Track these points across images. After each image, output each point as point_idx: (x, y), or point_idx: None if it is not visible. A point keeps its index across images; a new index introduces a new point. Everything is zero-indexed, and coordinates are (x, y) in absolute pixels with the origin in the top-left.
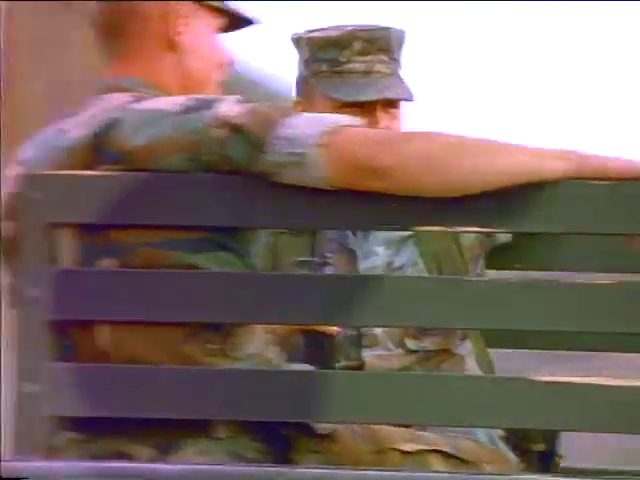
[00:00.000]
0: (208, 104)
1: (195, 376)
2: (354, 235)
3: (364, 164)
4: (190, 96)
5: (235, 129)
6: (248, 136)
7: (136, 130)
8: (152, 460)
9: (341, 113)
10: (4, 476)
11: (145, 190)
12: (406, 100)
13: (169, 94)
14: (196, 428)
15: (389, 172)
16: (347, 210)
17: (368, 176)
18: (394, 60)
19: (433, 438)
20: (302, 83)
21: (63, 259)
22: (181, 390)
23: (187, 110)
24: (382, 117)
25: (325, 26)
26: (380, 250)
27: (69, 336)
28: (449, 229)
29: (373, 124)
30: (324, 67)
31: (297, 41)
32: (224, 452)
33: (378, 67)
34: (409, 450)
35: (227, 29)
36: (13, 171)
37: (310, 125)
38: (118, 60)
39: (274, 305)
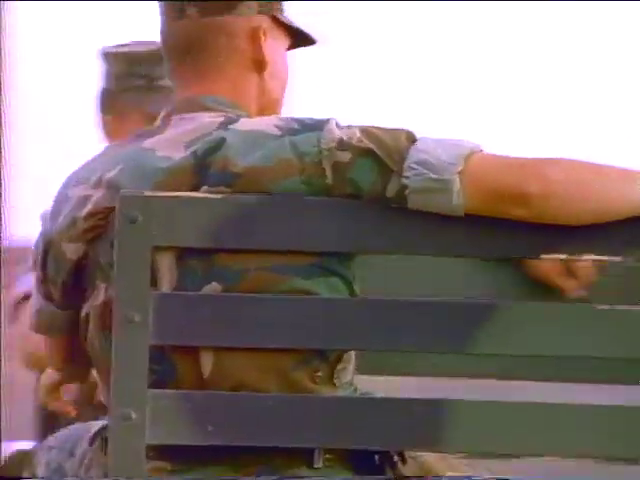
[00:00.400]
0: (315, 126)
1: (311, 404)
2: None
3: (508, 191)
4: (285, 117)
5: (363, 153)
6: (379, 160)
7: (244, 152)
8: None
9: None
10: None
11: (256, 213)
12: None
13: (249, 114)
14: (296, 456)
15: (537, 199)
16: (472, 236)
17: (510, 203)
18: None
19: (459, 465)
20: (110, 98)
21: (164, 282)
22: (289, 418)
23: (294, 132)
24: None
25: (129, 42)
26: None
27: (168, 361)
28: (576, 257)
29: None
30: (140, 82)
31: (109, 56)
32: None
33: None
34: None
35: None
36: (85, 191)
37: (443, 150)
38: (198, 78)
39: (391, 331)
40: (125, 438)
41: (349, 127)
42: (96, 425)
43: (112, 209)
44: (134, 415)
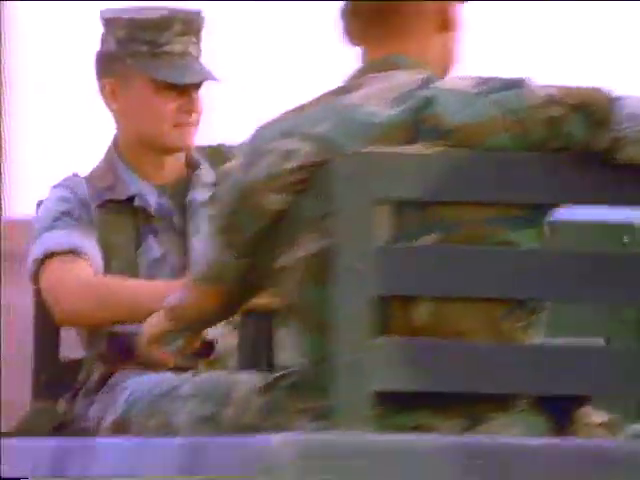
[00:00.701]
0: (513, 84)
1: (516, 352)
2: None
3: None
4: (477, 76)
5: (574, 108)
6: (591, 115)
7: (453, 109)
8: (454, 433)
9: (161, 94)
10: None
11: (469, 168)
12: (215, 81)
13: (431, 72)
14: (499, 401)
15: None
16: None
17: None
18: (200, 42)
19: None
20: (113, 63)
21: (381, 234)
22: (500, 365)
23: (492, 90)
24: (196, 98)
25: (133, 6)
26: (202, 227)
27: (380, 310)
28: None
29: (189, 104)
30: (144, 48)
31: (111, 21)
32: (522, 425)
33: (191, 49)
34: (599, 422)
35: None
36: (289, 145)
37: None
38: (389, 39)
39: (599, 283)
40: (351, 385)
41: (547, 86)
42: (251, 374)
43: (321, 163)
44: (360, 362)
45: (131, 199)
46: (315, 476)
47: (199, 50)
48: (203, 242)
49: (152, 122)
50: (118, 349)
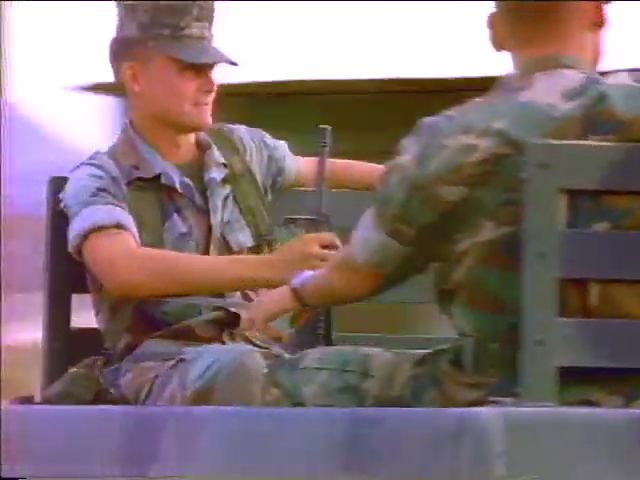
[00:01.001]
0: None
1: None
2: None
3: None
4: (635, 72)
5: None
6: None
7: (623, 103)
8: (616, 407)
9: (182, 74)
10: None
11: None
12: (232, 64)
13: (588, 69)
14: None
15: None
16: None
17: None
18: (211, 27)
19: None
20: (133, 47)
21: (561, 220)
22: None
23: None
24: (211, 78)
25: None
26: (219, 206)
27: (564, 292)
28: None
29: (207, 84)
30: (166, 31)
31: (134, 6)
32: None
33: (206, 33)
34: None
35: None
36: (467, 140)
37: None
38: (548, 39)
39: None
40: (538, 362)
41: None
42: (378, 349)
43: (500, 156)
44: (546, 341)
45: (157, 177)
46: (525, 447)
47: (211, 35)
48: (362, 229)
49: (174, 101)
50: (144, 320)
